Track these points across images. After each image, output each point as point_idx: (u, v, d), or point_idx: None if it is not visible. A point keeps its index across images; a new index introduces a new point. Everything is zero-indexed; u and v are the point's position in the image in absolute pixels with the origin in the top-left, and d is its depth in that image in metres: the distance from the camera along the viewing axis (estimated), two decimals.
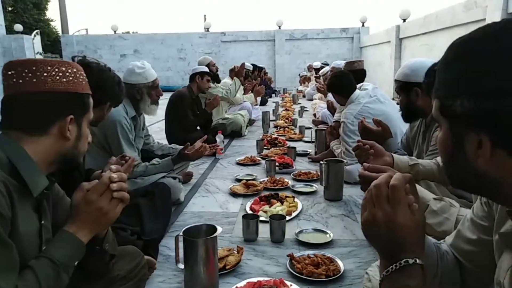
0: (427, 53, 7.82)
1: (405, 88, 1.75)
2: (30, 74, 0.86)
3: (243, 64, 5.00)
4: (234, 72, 4.97)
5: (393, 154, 1.62)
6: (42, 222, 0.92)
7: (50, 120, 0.90)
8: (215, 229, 1.42)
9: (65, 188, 1.12)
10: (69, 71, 0.92)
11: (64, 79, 0.90)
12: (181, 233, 1.41)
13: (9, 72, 0.88)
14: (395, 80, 1.84)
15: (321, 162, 2.47)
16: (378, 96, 2.79)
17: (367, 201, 0.67)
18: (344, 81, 2.88)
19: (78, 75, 0.94)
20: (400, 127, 2.55)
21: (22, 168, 0.85)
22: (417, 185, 1.30)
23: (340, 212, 2.25)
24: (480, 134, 0.56)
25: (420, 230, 0.66)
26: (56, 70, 0.89)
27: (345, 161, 2.59)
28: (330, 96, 5.28)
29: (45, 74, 0.88)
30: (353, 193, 2.52)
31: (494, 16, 5.17)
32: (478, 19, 5.68)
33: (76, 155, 0.98)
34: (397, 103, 1.88)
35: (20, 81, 0.87)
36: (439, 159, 1.54)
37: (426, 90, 1.61)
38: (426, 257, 0.80)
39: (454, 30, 6.61)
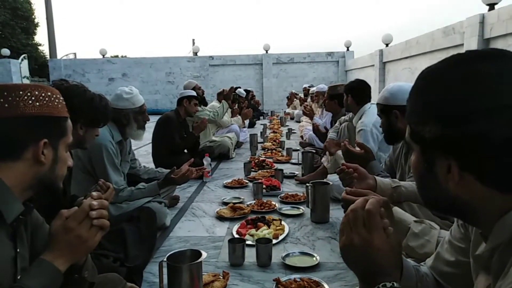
0: (410, 76, 8.07)
1: (385, 110, 1.81)
2: (1, 100, 0.86)
3: (231, 88, 5.08)
4: (222, 95, 5.03)
5: (376, 177, 1.65)
6: (18, 250, 0.89)
7: (23, 145, 0.88)
8: (200, 254, 1.40)
9: (49, 215, 1.10)
10: (43, 94, 0.90)
11: (37, 103, 0.89)
12: (165, 259, 1.39)
13: None
14: (377, 104, 1.90)
15: (307, 184, 2.49)
16: None
17: (345, 226, 0.69)
18: (365, 90, 2.97)
19: (53, 99, 0.93)
20: None
21: None
22: (397, 208, 1.33)
23: (327, 235, 2.25)
24: (448, 159, 0.59)
25: (396, 254, 0.67)
26: (29, 94, 0.88)
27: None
28: (316, 119, 5.40)
29: (17, 98, 0.87)
30: (340, 215, 2.53)
31: (471, 41, 5.41)
32: (456, 44, 5.93)
33: (53, 179, 0.95)
34: (380, 126, 1.93)
35: None
36: None
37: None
38: (405, 279, 0.81)
39: (434, 54, 6.87)
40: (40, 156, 0.89)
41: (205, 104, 4.81)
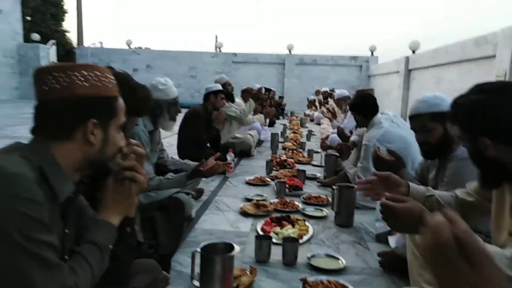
0: (436, 85, 7.92)
1: (440, 118, 1.71)
2: (53, 81, 0.87)
3: (260, 89, 5.13)
4: (250, 95, 5.08)
5: (410, 183, 1.62)
6: (66, 230, 0.93)
7: (73, 125, 0.89)
8: (232, 248, 1.42)
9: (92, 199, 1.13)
10: (91, 74, 0.90)
11: (86, 83, 0.89)
12: (198, 249, 1.42)
13: (37, 79, 0.89)
14: (418, 115, 1.79)
15: (333, 187, 2.48)
16: (398, 122, 2.84)
17: (434, 259, 0.53)
18: (368, 102, 2.93)
19: (102, 78, 0.92)
20: (416, 154, 2.60)
21: (49, 172, 0.86)
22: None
23: (352, 239, 2.24)
24: None
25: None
26: (77, 74, 0.88)
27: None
28: (335, 123, 5.37)
29: (67, 79, 0.88)
30: (363, 220, 2.51)
31: (504, 53, 5.27)
32: (488, 55, 5.78)
33: (103, 160, 0.97)
34: (423, 141, 1.80)
35: (45, 88, 0.88)
36: (457, 191, 1.54)
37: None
38: None
39: (464, 64, 6.72)
40: (89, 136, 0.90)
41: (233, 101, 4.84)
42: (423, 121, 1.78)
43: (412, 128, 1.89)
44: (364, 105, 2.92)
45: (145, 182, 1.02)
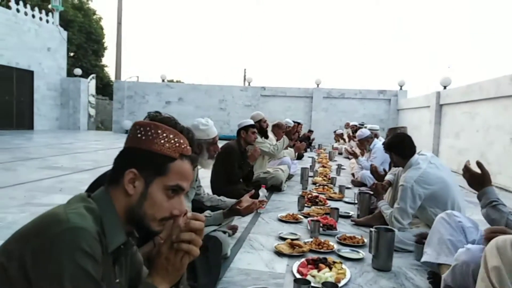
0: (469, 121, 7.75)
1: None
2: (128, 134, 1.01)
3: (295, 126, 5.20)
4: (285, 132, 5.16)
5: None
6: (117, 280, 0.96)
7: (120, 170, 0.95)
8: None
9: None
10: (152, 131, 0.97)
11: (143, 137, 0.96)
12: None
13: None
14: None
15: (371, 229, 2.44)
16: (436, 164, 2.80)
17: None
18: (406, 143, 2.90)
19: (161, 137, 0.96)
20: (456, 195, 2.65)
21: (106, 223, 0.91)
22: None
23: (391, 285, 2.17)
24: None
25: None
26: (141, 129, 0.97)
27: (396, 227, 2.58)
28: (361, 159, 5.30)
29: (131, 134, 1.00)
30: (402, 265, 2.44)
31: None
32: None
33: (141, 216, 0.95)
34: None
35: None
36: None
37: None
38: None
39: (499, 101, 6.58)
40: (126, 185, 0.94)
41: (266, 137, 4.93)
42: None
43: None
44: (401, 146, 2.90)
45: (198, 253, 0.99)
